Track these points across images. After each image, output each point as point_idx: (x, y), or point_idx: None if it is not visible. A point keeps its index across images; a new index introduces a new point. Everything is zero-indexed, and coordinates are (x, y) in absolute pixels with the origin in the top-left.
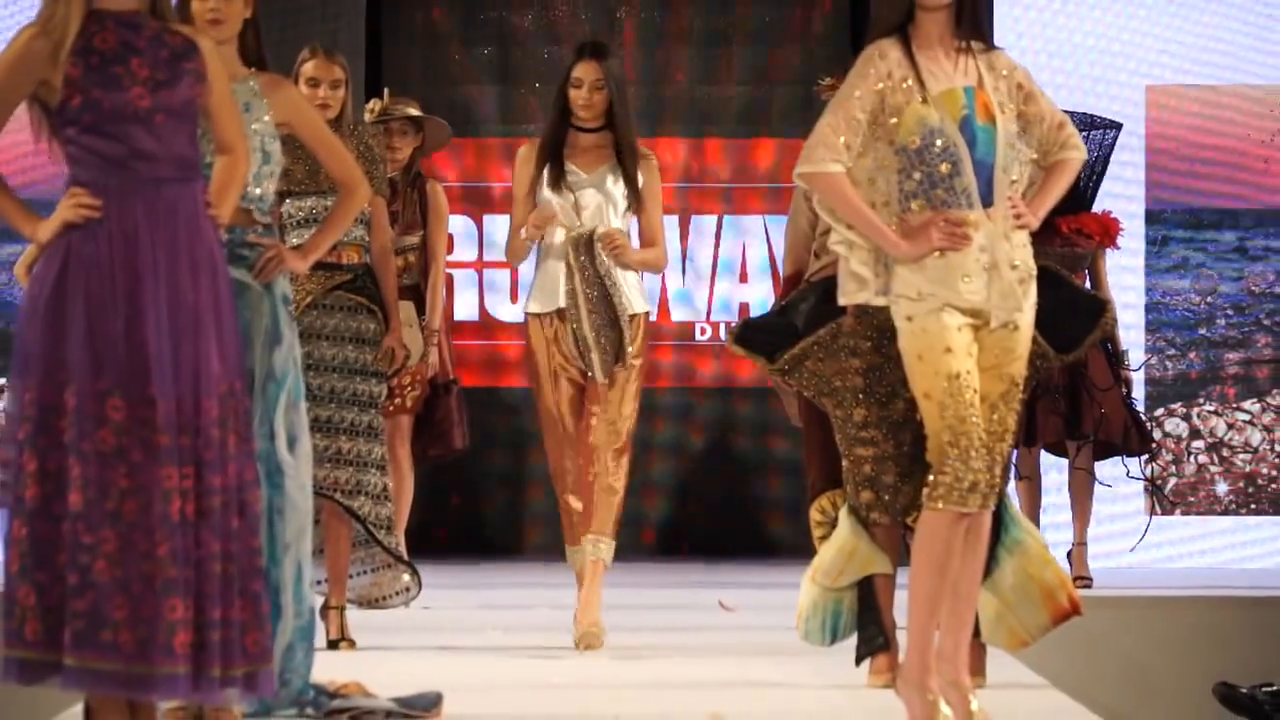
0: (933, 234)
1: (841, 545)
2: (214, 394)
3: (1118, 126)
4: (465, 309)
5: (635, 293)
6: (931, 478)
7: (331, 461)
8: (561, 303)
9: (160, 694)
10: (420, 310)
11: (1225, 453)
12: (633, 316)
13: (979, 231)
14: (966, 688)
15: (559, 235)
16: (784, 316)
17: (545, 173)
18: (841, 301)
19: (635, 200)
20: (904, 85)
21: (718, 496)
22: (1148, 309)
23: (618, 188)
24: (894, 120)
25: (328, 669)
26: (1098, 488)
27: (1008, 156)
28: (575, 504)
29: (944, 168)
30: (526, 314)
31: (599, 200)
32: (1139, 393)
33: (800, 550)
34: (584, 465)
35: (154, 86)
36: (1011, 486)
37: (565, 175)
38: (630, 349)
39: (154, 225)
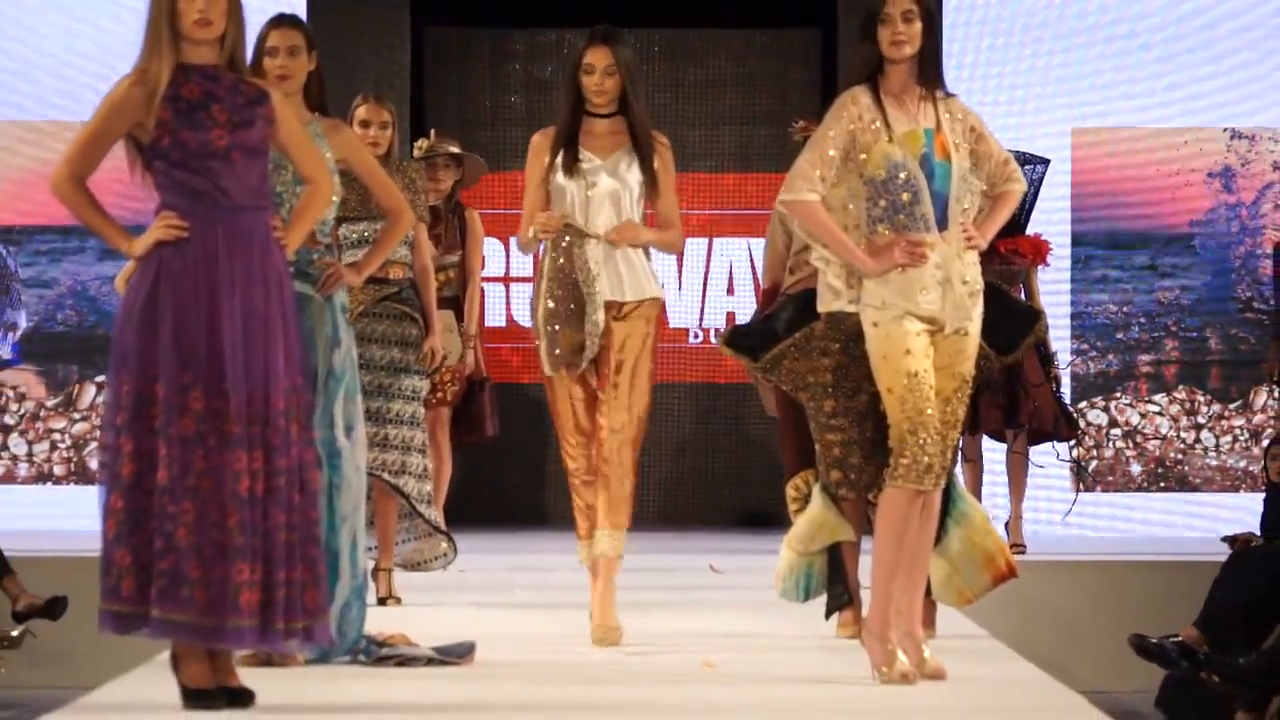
0: (895, 253)
1: (813, 517)
2: (281, 390)
3: (1047, 162)
4: (496, 317)
5: (641, 278)
6: (892, 460)
7: (380, 446)
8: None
9: (228, 643)
10: (459, 318)
11: (1138, 439)
12: (639, 302)
13: (935, 252)
14: (920, 638)
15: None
16: (766, 323)
17: (559, 160)
18: (820, 309)
19: (651, 185)
20: (873, 126)
21: (708, 476)
22: (1073, 317)
23: (631, 174)
24: (864, 156)
25: (377, 622)
26: (1031, 469)
27: (960, 188)
28: (587, 496)
29: (906, 197)
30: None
31: (613, 186)
32: (1066, 388)
33: (778, 521)
34: (596, 455)
35: (231, 128)
36: (958, 468)
37: (578, 162)
38: (597, 341)
39: (231, 247)
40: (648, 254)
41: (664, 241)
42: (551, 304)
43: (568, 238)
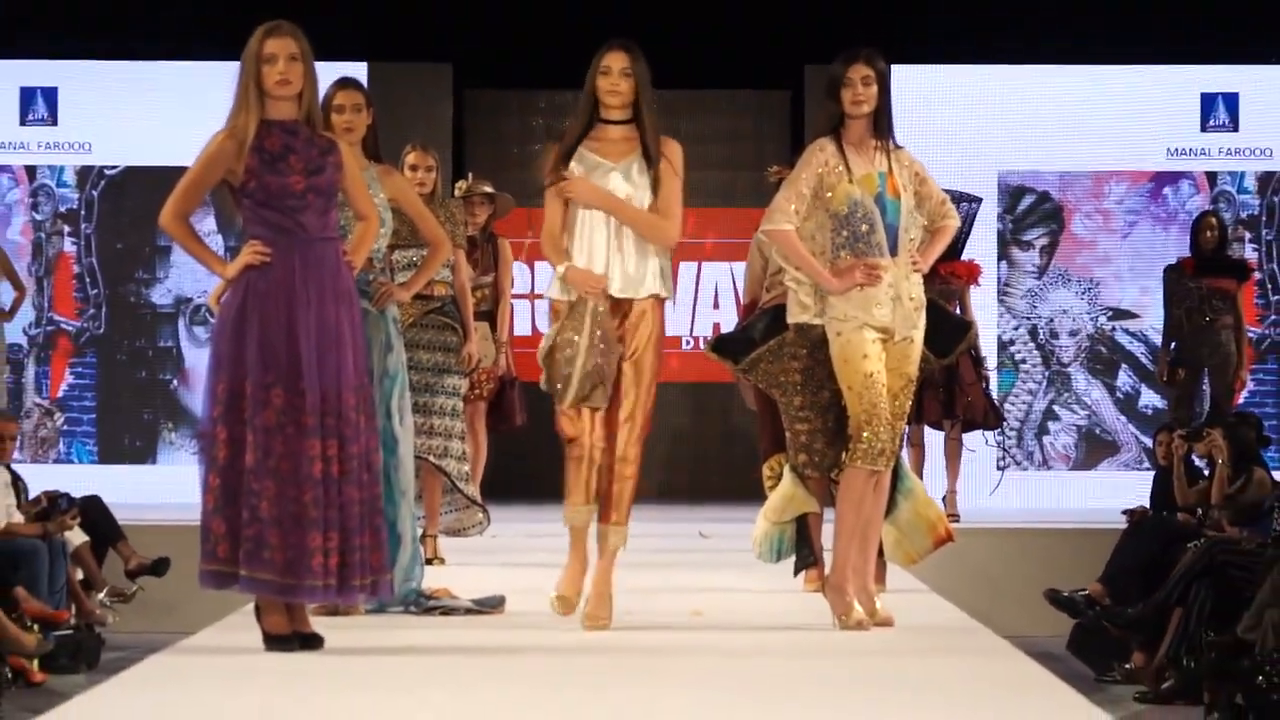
0: (856, 274)
1: (784, 492)
2: (351, 388)
3: (979, 200)
4: (523, 327)
5: (642, 276)
6: (851, 445)
7: (426, 434)
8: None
9: (303, 599)
10: (493, 328)
11: (1054, 428)
12: (643, 299)
13: (887, 273)
14: (873, 592)
15: (581, 230)
16: (745, 332)
17: (575, 165)
18: (790, 321)
19: (656, 185)
20: (836, 170)
21: (698, 458)
22: (999, 327)
23: (644, 177)
24: (829, 194)
25: (425, 579)
26: (965, 452)
27: (908, 221)
28: (579, 467)
29: (864, 228)
30: (550, 299)
31: (628, 190)
32: (994, 385)
33: (755, 496)
34: (596, 439)
35: (307, 174)
36: (905, 452)
37: (594, 165)
38: (626, 349)
39: (306, 271)
40: (663, 259)
41: (652, 223)
42: (570, 355)
43: (593, 302)
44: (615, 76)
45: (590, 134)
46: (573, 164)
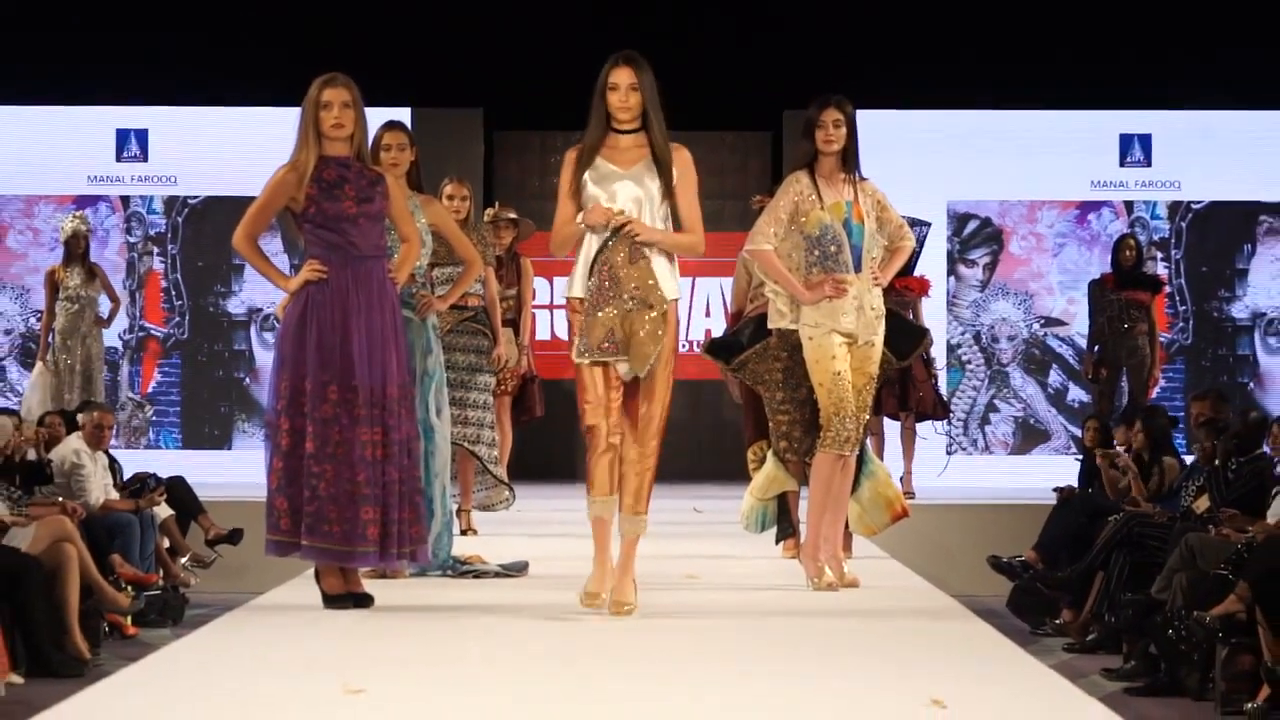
0: (825, 288)
1: (767, 473)
2: (395, 384)
3: (929, 224)
4: (543, 332)
5: (666, 282)
6: (822, 434)
7: (461, 424)
8: (580, 292)
9: (357, 564)
10: (516, 334)
11: (994, 419)
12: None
13: (852, 287)
14: (840, 559)
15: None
16: (735, 337)
17: (589, 172)
18: (770, 326)
19: (669, 193)
20: (810, 198)
21: (693, 445)
22: (948, 333)
23: (654, 183)
24: (804, 219)
25: (459, 547)
26: (918, 440)
27: (870, 243)
28: (601, 461)
29: (833, 248)
30: (568, 297)
31: (637, 194)
32: (943, 382)
33: (741, 477)
34: (613, 427)
35: (358, 201)
36: (868, 439)
37: (606, 173)
38: (653, 342)
39: (357, 285)
40: (672, 259)
41: (677, 243)
42: (608, 310)
43: (609, 262)
44: (623, 92)
45: (604, 143)
46: (587, 172)
